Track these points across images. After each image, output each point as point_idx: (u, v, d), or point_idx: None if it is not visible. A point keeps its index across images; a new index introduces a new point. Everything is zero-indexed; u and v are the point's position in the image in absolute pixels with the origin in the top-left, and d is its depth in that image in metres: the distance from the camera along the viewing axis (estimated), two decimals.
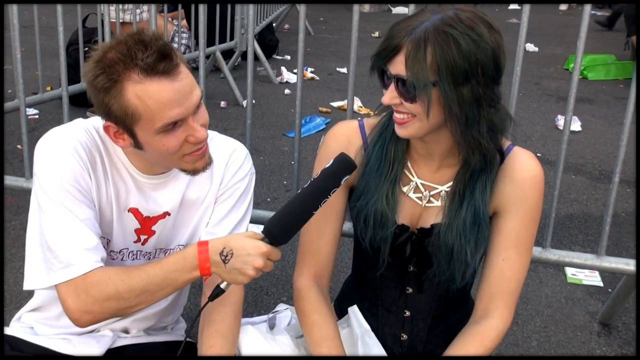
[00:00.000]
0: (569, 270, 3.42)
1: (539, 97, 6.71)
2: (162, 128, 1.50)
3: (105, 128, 1.57)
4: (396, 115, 1.58)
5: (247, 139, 2.56)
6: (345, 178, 1.52)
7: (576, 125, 5.68)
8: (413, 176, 1.72)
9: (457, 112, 1.50)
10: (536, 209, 1.68)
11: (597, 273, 3.41)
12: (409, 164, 1.72)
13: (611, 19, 10.48)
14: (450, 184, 1.70)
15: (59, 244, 1.54)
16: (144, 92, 1.47)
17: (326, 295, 1.81)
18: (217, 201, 1.78)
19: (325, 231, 1.80)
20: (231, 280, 1.52)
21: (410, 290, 1.79)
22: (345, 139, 1.76)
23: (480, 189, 1.64)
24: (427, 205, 1.71)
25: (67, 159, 1.58)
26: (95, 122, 1.67)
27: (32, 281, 1.61)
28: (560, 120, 5.70)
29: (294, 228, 1.52)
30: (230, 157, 1.79)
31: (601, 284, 3.34)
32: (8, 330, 1.84)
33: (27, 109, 3.40)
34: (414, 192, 1.72)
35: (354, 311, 1.80)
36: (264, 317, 2.05)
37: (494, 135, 1.60)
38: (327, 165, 1.53)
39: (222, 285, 1.54)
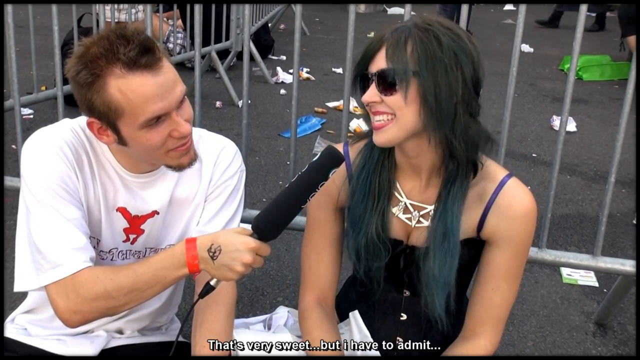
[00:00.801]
0: (564, 271, 3.42)
1: (534, 98, 6.72)
2: (146, 123, 1.50)
3: (89, 124, 1.56)
4: (375, 119, 1.57)
5: (243, 139, 2.55)
6: (333, 171, 1.50)
7: (571, 126, 5.69)
8: (402, 197, 1.71)
9: (433, 103, 1.50)
10: (528, 242, 1.70)
11: (592, 273, 3.41)
12: (398, 185, 1.71)
13: (599, 21, 10.54)
14: None
15: (47, 244, 1.53)
16: (126, 87, 1.46)
17: (330, 314, 1.82)
18: (207, 199, 1.78)
19: (323, 256, 1.80)
20: (220, 277, 1.51)
21: (407, 293, 1.79)
22: None
23: (452, 200, 1.63)
24: (416, 225, 1.71)
25: (52, 159, 1.57)
26: (82, 121, 1.66)
27: (21, 283, 1.61)
28: (556, 121, 5.71)
29: (282, 223, 1.50)
30: (219, 154, 1.78)
31: (596, 284, 3.34)
32: None
33: (22, 109, 3.39)
34: (403, 213, 1.72)
35: (355, 316, 1.80)
36: (260, 317, 2.04)
37: (467, 145, 1.58)
38: (314, 159, 1.52)
39: (212, 282, 1.53)
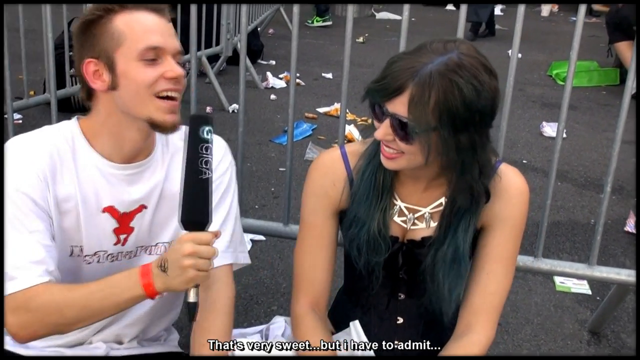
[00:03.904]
0: (557, 279, 3.42)
1: (523, 104, 6.72)
2: (144, 52, 1.55)
3: (86, 66, 1.59)
4: (385, 149, 1.59)
5: (238, 145, 2.55)
6: (207, 128, 1.49)
7: None
8: (397, 200, 1.74)
9: (455, 158, 1.54)
10: (521, 225, 1.74)
11: (585, 281, 3.41)
12: (395, 188, 1.74)
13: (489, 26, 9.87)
14: (434, 204, 1.72)
15: (6, 256, 1.52)
16: (130, 18, 1.57)
17: (323, 320, 1.82)
18: None
19: (318, 261, 1.80)
20: (182, 284, 1.47)
21: (402, 296, 1.81)
22: (328, 170, 1.78)
23: (464, 226, 1.67)
24: (412, 227, 1.74)
25: (22, 169, 1.57)
26: (63, 126, 1.67)
27: None
28: (545, 127, 5.72)
29: (199, 203, 1.48)
30: None
31: (589, 292, 3.34)
32: None
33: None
34: (398, 216, 1.74)
35: (355, 326, 1.80)
36: (257, 327, 2.03)
37: (483, 176, 1.63)
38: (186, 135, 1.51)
39: (190, 299, 1.50)
